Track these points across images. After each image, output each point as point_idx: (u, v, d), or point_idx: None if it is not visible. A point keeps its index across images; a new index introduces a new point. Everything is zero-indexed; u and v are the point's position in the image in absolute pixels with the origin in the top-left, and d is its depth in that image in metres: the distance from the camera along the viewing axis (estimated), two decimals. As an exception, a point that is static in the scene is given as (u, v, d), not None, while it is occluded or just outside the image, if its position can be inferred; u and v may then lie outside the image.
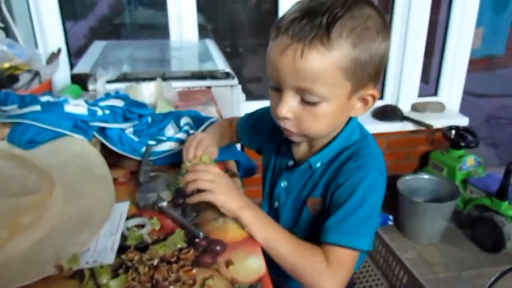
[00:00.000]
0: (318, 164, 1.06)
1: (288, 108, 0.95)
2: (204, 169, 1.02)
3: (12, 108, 1.26)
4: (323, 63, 0.87)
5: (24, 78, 1.60)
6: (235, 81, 1.97)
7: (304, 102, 0.93)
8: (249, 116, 1.33)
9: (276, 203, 1.17)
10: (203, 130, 1.38)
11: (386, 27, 0.94)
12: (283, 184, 1.15)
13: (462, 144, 2.97)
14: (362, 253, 1.00)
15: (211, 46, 2.50)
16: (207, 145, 1.13)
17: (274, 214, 1.18)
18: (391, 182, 2.90)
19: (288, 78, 0.91)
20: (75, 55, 2.66)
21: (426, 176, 3.01)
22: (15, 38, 1.97)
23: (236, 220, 0.98)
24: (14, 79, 1.57)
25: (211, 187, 0.98)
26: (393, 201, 2.95)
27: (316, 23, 0.86)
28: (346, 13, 0.87)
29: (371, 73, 0.94)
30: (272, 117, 1.02)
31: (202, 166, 1.03)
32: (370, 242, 0.96)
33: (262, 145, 1.28)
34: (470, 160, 3.00)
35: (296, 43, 0.87)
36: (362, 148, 1.03)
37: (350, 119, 1.06)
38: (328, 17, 0.86)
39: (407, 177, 2.98)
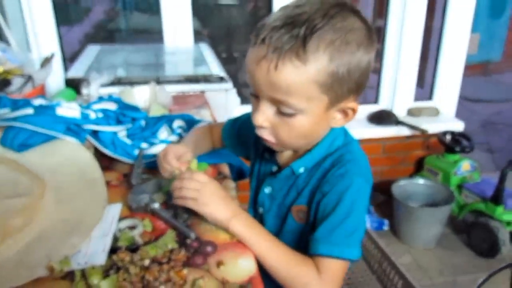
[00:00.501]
0: (301, 170, 1.05)
1: (264, 117, 0.94)
2: (189, 177, 0.99)
3: (4, 112, 1.26)
4: (298, 76, 0.85)
5: (17, 82, 1.60)
6: (229, 85, 1.96)
7: (280, 113, 0.92)
8: (233, 122, 1.30)
9: (261, 209, 1.16)
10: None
11: (370, 39, 0.91)
12: (267, 190, 1.13)
13: (457, 149, 2.97)
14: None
15: (206, 50, 2.50)
16: (176, 153, 1.11)
17: (259, 220, 1.16)
18: (386, 187, 2.91)
19: (263, 89, 0.90)
20: (69, 60, 2.65)
21: (421, 181, 3.01)
22: (8, 43, 1.97)
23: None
24: (6, 83, 1.57)
25: (194, 196, 0.97)
26: (388, 205, 2.95)
27: (293, 34, 0.83)
28: (327, 24, 0.84)
29: (351, 87, 0.91)
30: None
31: (188, 173, 1.01)
32: (359, 251, 0.95)
33: (248, 151, 1.26)
34: (465, 165, 3.00)
35: (271, 54, 0.85)
36: (346, 154, 1.01)
37: None
38: (306, 28, 0.83)
39: (402, 182, 2.98)
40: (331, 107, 0.93)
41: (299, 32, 0.83)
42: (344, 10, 0.88)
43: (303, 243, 1.01)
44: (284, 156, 1.11)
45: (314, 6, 0.86)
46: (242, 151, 1.30)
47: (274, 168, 1.13)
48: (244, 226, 0.97)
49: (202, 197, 0.97)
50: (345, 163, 0.99)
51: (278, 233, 1.10)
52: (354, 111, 0.96)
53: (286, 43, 0.83)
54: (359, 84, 0.93)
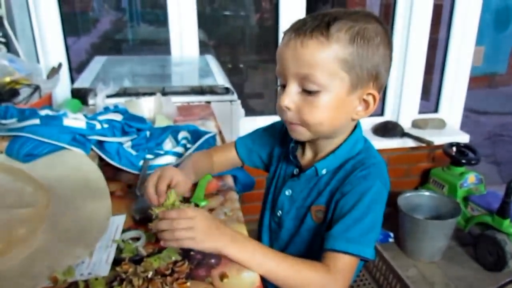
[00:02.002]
0: (324, 171, 1.08)
1: (290, 98, 0.98)
2: (177, 216, 0.88)
3: (11, 122, 1.27)
4: (321, 51, 0.93)
5: (24, 92, 1.61)
6: (234, 96, 1.97)
7: (305, 92, 0.97)
8: (254, 131, 1.32)
9: (279, 212, 1.17)
10: (199, 146, 1.38)
11: (387, 36, 0.99)
12: (287, 192, 1.15)
13: (463, 161, 2.96)
14: (359, 264, 1.01)
15: (212, 61, 2.51)
16: (169, 177, 1.03)
17: (277, 223, 1.18)
18: (392, 199, 2.89)
19: (290, 66, 0.96)
20: (76, 70, 2.67)
21: (427, 193, 2.99)
22: (16, 53, 1.99)
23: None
24: (14, 93, 1.58)
25: (190, 235, 0.87)
26: (393, 218, 2.93)
27: (318, 19, 0.95)
28: (348, 17, 0.95)
29: (370, 71, 0.97)
30: (279, 116, 1.05)
31: (174, 213, 0.89)
32: (373, 252, 0.97)
33: (265, 157, 1.29)
34: (471, 177, 2.98)
35: (298, 35, 0.95)
36: (368, 158, 1.06)
37: (355, 128, 1.09)
38: (329, 17, 0.94)
39: (408, 194, 2.96)
40: (352, 90, 0.98)
41: (323, 18, 0.95)
42: (366, 13, 0.99)
43: (317, 242, 1.03)
44: (306, 158, 1.15)
45: (339, 9, 0.98)
46: (259, 157, 1.31)
47: (296, 171, 1.15)
48: (241, 251, 0.91)
49: (199, 234, 0.88)
50: (368, 166, 1.03)
51: (295, 234, 1.13)
52: (375, 98, 1.01)
53: (311, 26, 0.94)
54: (378, 72, 0.99)
